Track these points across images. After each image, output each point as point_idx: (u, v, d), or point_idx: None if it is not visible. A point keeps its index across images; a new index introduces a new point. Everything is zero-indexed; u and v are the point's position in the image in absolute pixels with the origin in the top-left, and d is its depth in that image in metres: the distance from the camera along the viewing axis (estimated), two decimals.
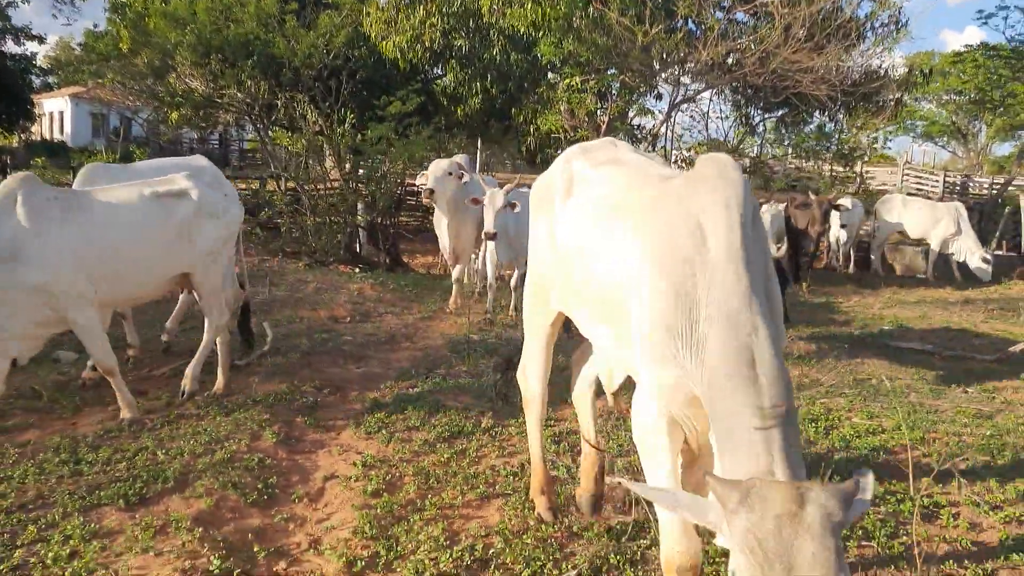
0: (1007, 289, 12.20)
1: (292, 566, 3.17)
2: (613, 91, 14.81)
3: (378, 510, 3.61)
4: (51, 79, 35.05)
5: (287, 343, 6.62)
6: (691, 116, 16.81)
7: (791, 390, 2.04)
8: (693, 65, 13.48)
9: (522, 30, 14.20)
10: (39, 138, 34.10)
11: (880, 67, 15.17)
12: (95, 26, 29.86)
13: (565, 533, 3.44)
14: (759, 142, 17.10)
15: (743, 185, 2.30)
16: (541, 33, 14.05)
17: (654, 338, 2.25)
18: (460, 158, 8.89)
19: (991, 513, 3.75)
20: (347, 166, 15.96)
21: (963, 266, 13.46)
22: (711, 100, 16.08)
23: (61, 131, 38.26)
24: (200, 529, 3.29)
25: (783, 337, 2.25)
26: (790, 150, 17.42)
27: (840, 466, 4.27)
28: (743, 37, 13.44)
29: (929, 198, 19.03)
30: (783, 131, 17.21)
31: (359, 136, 14.23)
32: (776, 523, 1.67)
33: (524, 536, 3.39)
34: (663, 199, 2.50)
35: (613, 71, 14.58)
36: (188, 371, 5.16)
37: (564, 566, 3.14)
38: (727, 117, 16.35)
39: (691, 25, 13.54)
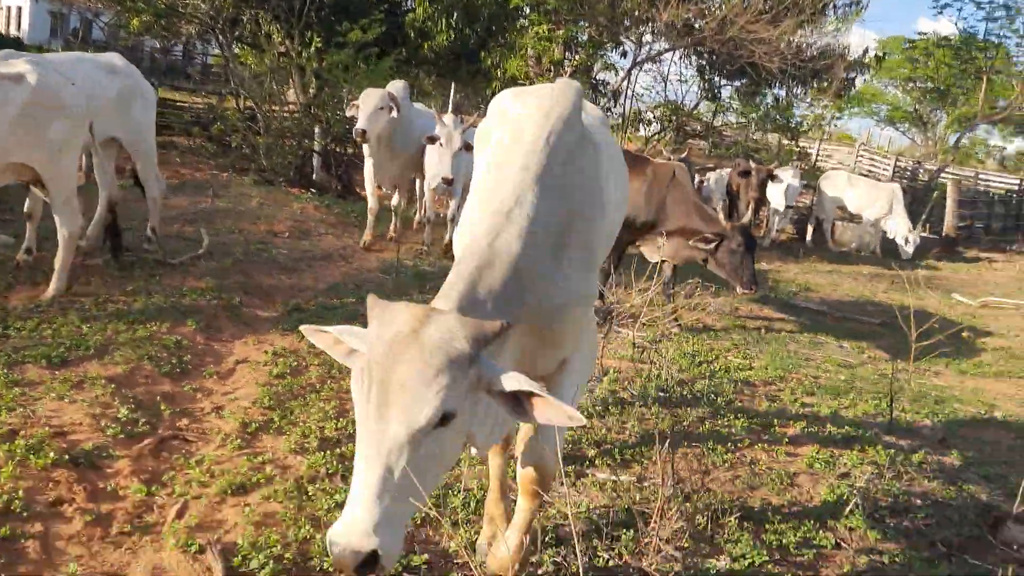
0: (919, 267, 12.97)
1: (194, 424, 3.62)
2: (579, 43, 15.01)
3: (279, 388, 4.07)
4: None
5: (222, 250, 6.93)
6: (653, 76, 17.09)
7: (521, 287, 2.06)
8: (656, 24, 13.77)
9: None
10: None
11: (835, 46, 15.64)
12: None
13: None
14: (715, 108, 17.48)
15: (571, 104, 2.44)
16: None
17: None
18: (395, 86, 7.96)
19: (811, 439, 4.37)
20: (311, 90, 16.06)
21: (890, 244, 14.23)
22: (671, 62, 16.36)
23: (18, 27, 36.88)
24: (113, 387, 3.72)
25: (567, 255, 2.27)
26: (744, 119, 17.88)
27: (705, 391, 4.87)
28: (705, 1, 13.74)
29: (878, 179, 19.79)
30: (739, 100, 17.63)
31: (323, 61, 14.26)
32: (393, 336, 1.69)
33: None
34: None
35: (581, 23, 14.79)
36: (54, 276, 4.95)
37: None
38: (687, 81, 16.69)
39: None
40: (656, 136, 16.53)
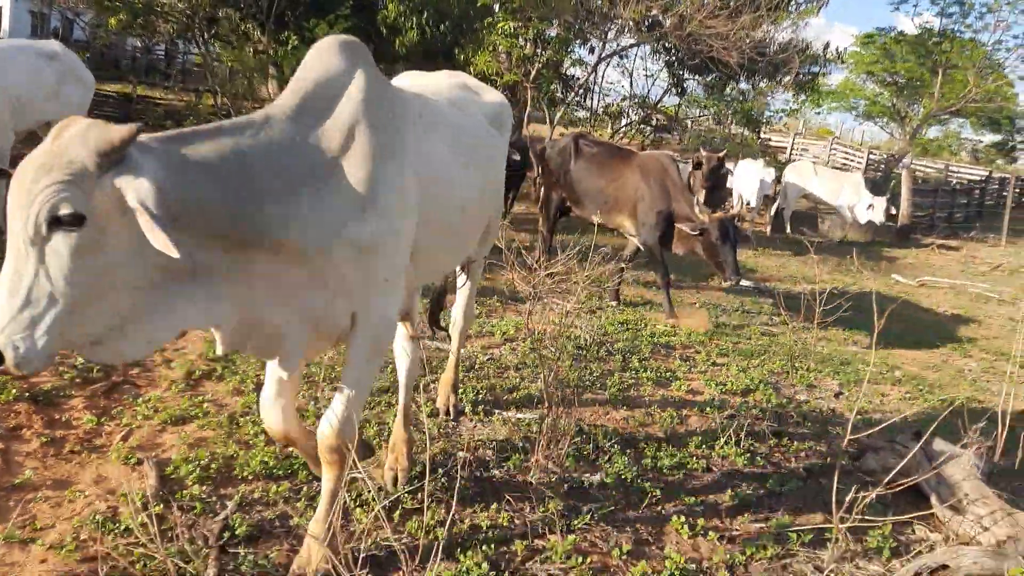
0: (868, 252, 13.49)
1: (144, 372, 4.07)
2: (547, 39, 15.48)
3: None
4: None
5: None
6: (621, 71, 17.59)
7: (251, 188, 2.03)
8: (619, 21, 14.26)
9: None
10: None
11: (796, 41, 16.18)
12: None
13: None
14: (679, 102, 18.01)
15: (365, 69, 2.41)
16: None
17: None
18: None
19: (711, 389, 4.87)
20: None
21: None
22: (636, 57, 16.88)
23: None
24: None
25: (335, 184, 2.23)
26: (707, 112, 18.41)
27: (630, 346, 5.37)
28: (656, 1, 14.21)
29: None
30: (704, 94, 18.16)
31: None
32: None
33: None
34: None
35: (547, 20, 15.25)
36: None
37: None
38: (652, 75, 17.20)
39: None
40: (623, 129, 17.05)
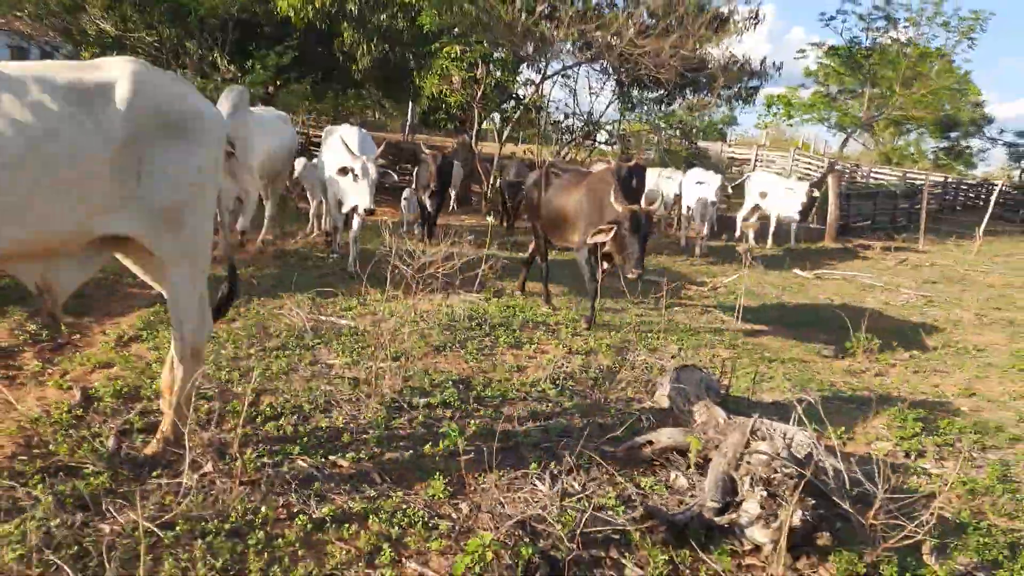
0: (795, 252, 14.70)
1: (85, 338, 5.23)
2: (489, 62, 16.81)
3: (155, 319, 5.70)
4: None
5: None
6: (567, 89, 18.93)
7: None
8: (555, 44, 15.61)
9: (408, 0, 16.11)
10: None
11: (729, 57, 17.56)
12: None
13: None
14: (620, 117, 19.33)
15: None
16: (424, 4, 15.96)
17: None
18: (227, 97, 7.33)
19: (558, 350, 6.06)
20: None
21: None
22: (577, 75, 18.19)
23: None
24: (27, 314, 5.34)
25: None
26: (647, 127, 19.77)
27: (503, 322, 6.55)
28: (601, 18, 15.58)
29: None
30: (651, 109, 19.51)
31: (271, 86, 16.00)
32: None
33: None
34: None
35: (489, 44, 16.60)
36: None
37: None
38: (595, 92, 18.53)
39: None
40: (569, 144, 18.37)
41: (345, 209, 8.38)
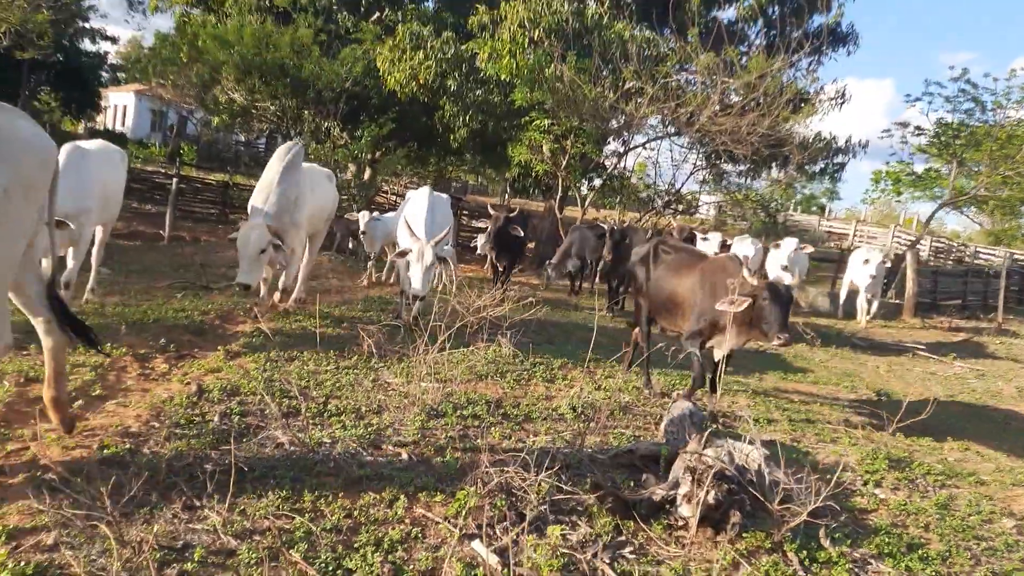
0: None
1: (202, 351, 6.67)
2: (578, 133, 18.25)
3: (253, 340, 7.10)
4: (120, 75, 40.15)
5: None
6: (651, 161, 20.15)
7: None
8: (635, 120, 16.91)
9: (503, 77, 17.85)
10: (102, 128, 39.15)
11: (806, 135, 18.36)
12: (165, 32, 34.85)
13: None
14: (701, 188, 20.30)
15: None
16: (517, 81, 17.65)
17: None
18: (285, 148, 8.30)
19: (588, 384, 7.08)
20: (366, 172, 20.29)
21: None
22: (659, 149, 19.38)
23: (123, 123, 43.48)
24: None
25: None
26: (727, 199, 20.63)
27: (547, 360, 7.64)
28: (681, 97, 16.79)
29: None
30: (727, 182, 20.43)
31: (376, 152, 18.02)
32: None
33: None
34: None
35: (574, 117, 18.08)
36: None
37: None
38: (678, 165, 19.65)
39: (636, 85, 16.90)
40: (650, 212, 19.45)
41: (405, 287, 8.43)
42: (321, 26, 21.84)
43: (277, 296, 9.02)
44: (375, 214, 13.14)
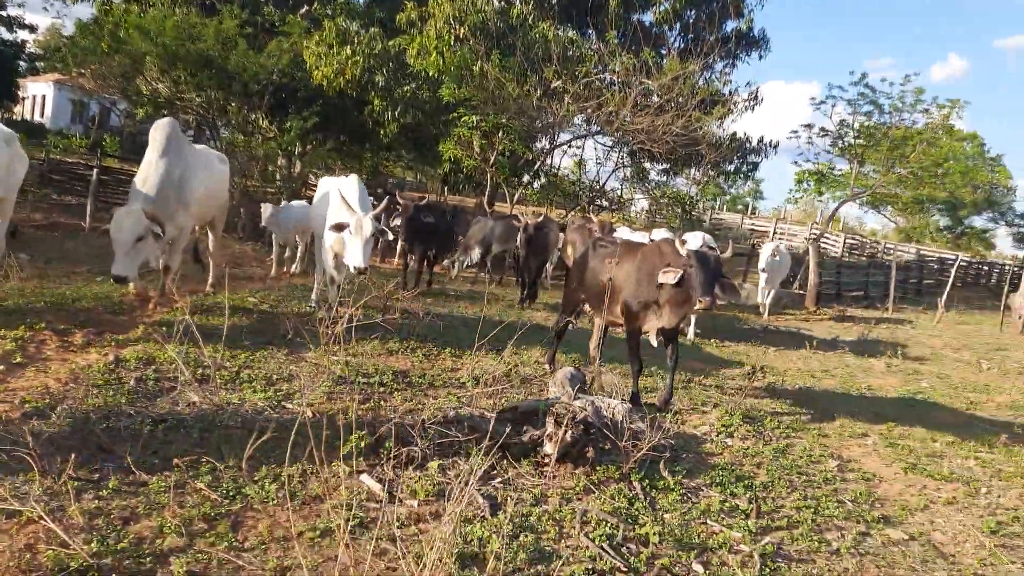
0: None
1: (120, 329, 7.08)
2: (501, 131, 18.93)
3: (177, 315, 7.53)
4: (38, 64, 39.15)
5: None
6: (575, 158, 20.99)
7: None
8: (556, 119, 17.69)
9: (431, 73, 18.42)
10: (19, 118, 38.15)
11: (735, 134, 19.45)
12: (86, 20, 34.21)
13: None
14: (622, 185, 21.25)
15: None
16: (445, 77, 18.24)
17: None
18: (157, 127, 7.81)
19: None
20: (296, 165, 20.64)
21: None
22: (583, 145, 20.25)
23: (42, 114, 42.39)
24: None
25: None
26: (647, 196, 21.64)
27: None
28: (601, 97, 17.63)
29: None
30: (647, 180, 21.44)
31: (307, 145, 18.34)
32: None
33: None
34: None
35: (499, 115, 18.77)
36: None
37: None
38: (601, 163, 20.54)
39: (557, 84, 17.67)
40: (576, 207, 20.27)
41: (334, 266, 8.44)
42: (247, 18, 22.00)
43: (170, 282, 8.24)
44: (283, 204, 12.86)
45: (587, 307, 7.68)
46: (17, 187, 8.31)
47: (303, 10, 25.08)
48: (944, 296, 18.26)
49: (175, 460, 4.08)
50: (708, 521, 4.28)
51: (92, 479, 3.86)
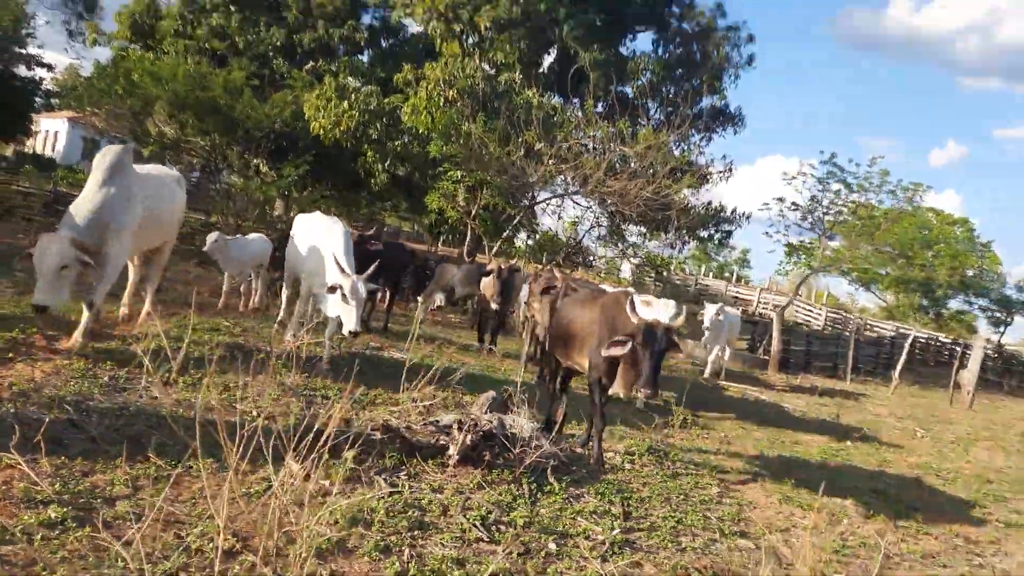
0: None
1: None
2: (483, 187, 20.04)
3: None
4: (54, 101, 40.82)
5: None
6: (554, 214, 22.07)
7: None
8: (533, 180, 18.82)
9: (421, 130, 19.65)
10: (31, 151, 39.59)
11: (708, 202, 20.57)
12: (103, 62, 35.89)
13: None
14: (596, 244, 22.29)
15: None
16: (434, 135, 19.45)
17: None
18: (106, 153, 7.52)
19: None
20: (296, 208, 21.71)
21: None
22: (561, 204, 21.33)
23: (54, 148, 43.94)
24: None
25: None
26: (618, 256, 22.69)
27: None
28: (575, 161, 18.77)
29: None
30: (625, 241, 22.52)
31: (305, 190, 19.52)
32: None
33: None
34: None
35: (482, 172, 19.92)
36: None
37: None
38: (577, 221, 21.62)
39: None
40: (552, 263, 21.29)
41: (331, 324, 8.39)
42: (255, 70, 23.48)
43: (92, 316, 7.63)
44: (235, 236, 11.99)
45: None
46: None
47: (308, 65, 26.59)
48: (898, 368, 19.11)
49: (130, 435, 4.94)
50: (578, 518, 5.10)
51: (61, 443, 4.71)
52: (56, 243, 6.61)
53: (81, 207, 7.02)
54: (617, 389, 6.49)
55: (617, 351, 6.00)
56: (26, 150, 39.58)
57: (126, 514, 3.98)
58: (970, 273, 43.80)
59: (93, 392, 5.77)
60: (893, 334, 32.43)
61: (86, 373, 6.28)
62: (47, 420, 4.75)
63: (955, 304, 41.97)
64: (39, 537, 3.62)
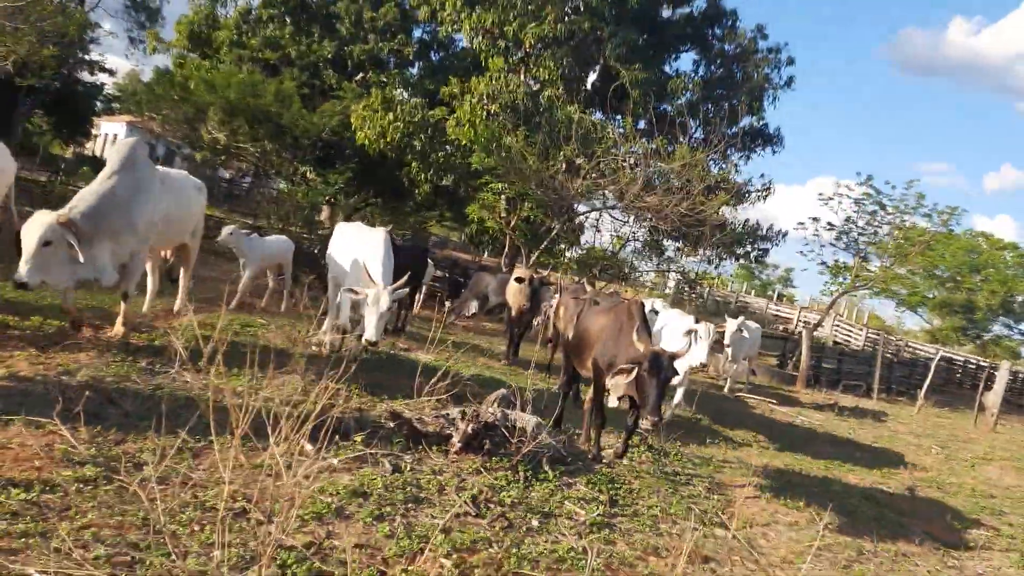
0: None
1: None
2: (523, 199, 20.54)
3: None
4: (114, 105, 42.61)
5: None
6: (593, 227, 22.43)
7: None
8: (571, 193, 19.23)
9: (464, 142, 20.23)
10: (91, 154, 41.35)
11: (748, 220, 20.76)
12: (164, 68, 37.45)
13: None
14: (631, 257, 22.54)
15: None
16: (476, 147, 20.01)
17: None
18: (119, 146, 7.64)
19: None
20: (341, 215, 22.52)
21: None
22: (600, 218, 21.66)
23: None
24: None
25: None
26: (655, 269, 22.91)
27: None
28: (614, 175, 19.15)
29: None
30: (656, 255, 22.75)
31: (352, 196, 20.37)
32: None
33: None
34: None
35: (522, 185, 20.40)
36: None
37: None
38: (618, 233, 21.93)
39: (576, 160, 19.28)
40: (590, 274, 21.65)
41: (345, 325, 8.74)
42: (306, 80, 24.39)
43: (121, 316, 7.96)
44: (243, 230, 11.85)
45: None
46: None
47: (359, 76, 27.45)
48: (924, 388, 18.95)
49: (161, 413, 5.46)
50: (565, 502, 5.47)
51: (99, 416, 5.26)
52: (43, 218, 6.50)
53: (87, 192, 7.07)
54: (614, 399, 6.53)
55: (622, 380, 6.00)
56: (86, 152, 41.35)
57: (151, 476, 4.48)
58: (1020, 299, 42.86)
59: (131, 375, 6.34)
60: (933, 356, 31.97)
61: (126, 359, 6.86)
62: (87, 395, 5.31)
63: (997, 328, 41.13)
64: (74, 489, 4.15)
